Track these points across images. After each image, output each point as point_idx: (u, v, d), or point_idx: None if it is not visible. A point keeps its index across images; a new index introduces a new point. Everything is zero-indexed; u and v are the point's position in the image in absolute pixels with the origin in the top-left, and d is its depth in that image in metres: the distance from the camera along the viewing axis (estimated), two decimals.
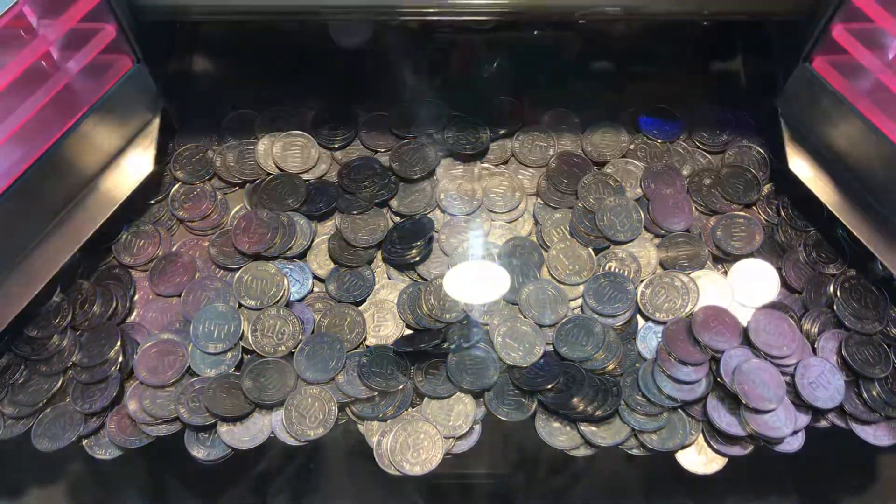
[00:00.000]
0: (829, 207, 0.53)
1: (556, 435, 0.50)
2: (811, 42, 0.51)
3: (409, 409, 0.50)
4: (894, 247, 0.51)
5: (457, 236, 0.56)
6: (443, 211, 0.57)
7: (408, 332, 0.53)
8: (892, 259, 0.51)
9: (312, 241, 0.56)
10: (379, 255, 0.55)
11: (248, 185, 0.58)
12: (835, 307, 0.53)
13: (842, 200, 0.53)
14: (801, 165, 0.54)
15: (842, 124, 0.51)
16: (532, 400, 0.50)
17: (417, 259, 0.54)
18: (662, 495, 0.52)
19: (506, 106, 0.61)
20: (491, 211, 0.57)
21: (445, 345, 0.51)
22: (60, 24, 0.47)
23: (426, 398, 0.50)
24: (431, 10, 0.53)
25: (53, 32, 0.47)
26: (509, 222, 0.57)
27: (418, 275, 0.55)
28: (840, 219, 0.52)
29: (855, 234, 0.52)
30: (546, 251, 0.55)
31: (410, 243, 0.54)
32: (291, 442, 0.49)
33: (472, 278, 0.53)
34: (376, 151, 0.59)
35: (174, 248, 0.56)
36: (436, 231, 0.56)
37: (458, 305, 0.52)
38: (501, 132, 0.59)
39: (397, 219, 0.57)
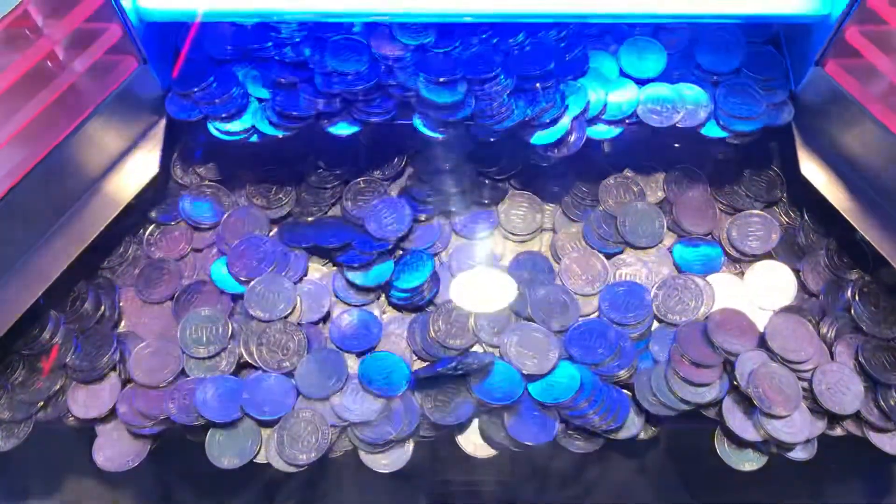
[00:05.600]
0: (841, 211, 0.52)
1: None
2: (824, 45, 0.50)
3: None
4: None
5: (467, 261, 0.55)
6: (457, 233, 0.56)
7: (416, 360, 0.52)
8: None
9: None
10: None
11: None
12: (852, 312, 0.52)
13: (855, 205, 0.52)
14: (813, 170, 0.53)
15: (855, 128, 0.51)
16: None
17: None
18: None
19: None
20: (509, 233, 0.56)
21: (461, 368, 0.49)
22: (66, 24, 0.47)
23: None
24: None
25: (59, 32, 0.47)
26: (523, 242, 0.56)
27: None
28: (851, 222, 0.52)
29: (867, 237, 0.51)
30: (558, 263, 0.54)
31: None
32: (282, 466, 0.48)
33: (477, 286, 0.52)
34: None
35: (157, 255, 0.55)
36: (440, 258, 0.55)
37: (468, 329, 0.51)
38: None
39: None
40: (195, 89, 0.53)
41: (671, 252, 0.55)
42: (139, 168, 0.54)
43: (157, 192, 0.57)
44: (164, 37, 0.54)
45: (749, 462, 0.49)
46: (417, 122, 0.52)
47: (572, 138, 0.52)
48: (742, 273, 0.54)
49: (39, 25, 0.46)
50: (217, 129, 0.53)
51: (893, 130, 0.48)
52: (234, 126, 0.53)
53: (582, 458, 0.49)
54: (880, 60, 0.48)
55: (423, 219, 0.56)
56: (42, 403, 0.50)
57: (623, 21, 0.54)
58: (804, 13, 0.51)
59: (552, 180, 0.57)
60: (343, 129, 0.53)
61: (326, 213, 0.56)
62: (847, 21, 0.48)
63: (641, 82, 0.54)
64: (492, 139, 0.53)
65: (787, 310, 0.52)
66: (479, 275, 0.53)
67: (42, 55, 0.46)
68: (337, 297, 0.53)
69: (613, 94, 0.53)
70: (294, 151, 0.57)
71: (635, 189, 0.56)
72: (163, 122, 0.55)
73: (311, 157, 0.58)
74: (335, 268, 0.54)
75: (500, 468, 0.49)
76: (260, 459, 0.48)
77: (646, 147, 0.58)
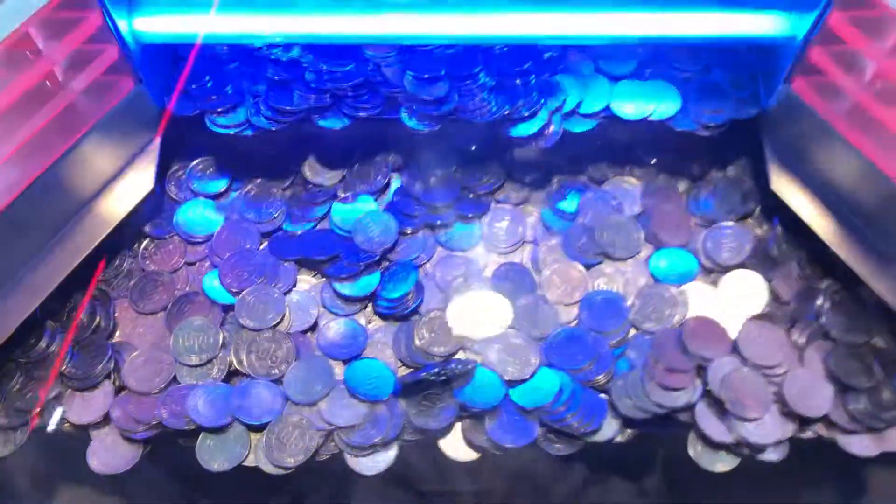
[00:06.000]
0: (810, 224, 0.54)
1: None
2: (791, 64, 0.53)
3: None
4: (871, 260, 0.53)
5: (451, 271, 0.57)
6: (441, 245, 0.58)
7: (401, 367, 0.54)
8: (870, 274, 0.52)
9: None
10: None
11: None
12: (823, 319, 0.54)
13: (824, 218, 0.54)
14: (783, 184, 0.55)
15: (822, 144, 0.53)
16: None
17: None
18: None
19: None
20: (492, 245, 0.58)
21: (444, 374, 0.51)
22: (64, 45, 0.49)
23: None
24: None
25: (58, 53, 0.49)
26: (505, 254, 0.58)
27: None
28: (820, 235, 0.54)
29: (833, 249, 0.53)
30: (539, 273, 0.56)
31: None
32: (270, 469, 0.50)
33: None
34: None
35: (152, 268, 0.57)
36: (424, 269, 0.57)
37: (451, 337, 0.53)
38: None
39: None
40: (193, 85, 0.55)
41: (648, 263, 0.57)
42: (135, 184, 0.56)
43: (151, 208, 0.58)
44: (158, 58, 0.56)
45: (721, 463, 0.51)
46: (404, 115, 0.55)
47: (549, 131, 0.55)
48: (716, 282, 0.56)
49: (40, 47, 0.49)
50: (213, 124, 0.56)
51: (857, 146, 0.51)
52: (230, 120, 0.55)
53: (561, 460, 0.50)
54: (843, 79, 0.50)
55: (408, 232, 0.58)
56: (38, 410, 0.51)
57: (590, 43, 0.56)
58: (772, 34, 0.53)
59: (534, 193, 0.60)
60: (333, 123, 0.55)
61: (315, 226, 0.58)
62: (811, 41, 0.51)
63: (615, 79, 0.56)
64: (473, 147, 0.56)
65: (759, 317, 0.54)
66: (476, 299, 0.55)
67: (42, 75, 0.49)
68: (324, 307, 0.55)
69: (588, 89, 0.56)
70: (285, 167, 0.60)
71: (613, 203, 0.58)
72: (158, 140, 0.57)
73: (300, 174, 0.60)
74: (323, 279, 0.56)
75: (481, 471, 0.51)
76: (249, 463, 0.50)
77: (625, 160, 0.60)
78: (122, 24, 0.52)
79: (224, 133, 0.56)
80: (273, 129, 0.55)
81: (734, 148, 0.60)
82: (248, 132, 0.56)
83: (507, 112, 0.53)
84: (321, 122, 0.55)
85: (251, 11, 0.54)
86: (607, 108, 0.56)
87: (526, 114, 0.54)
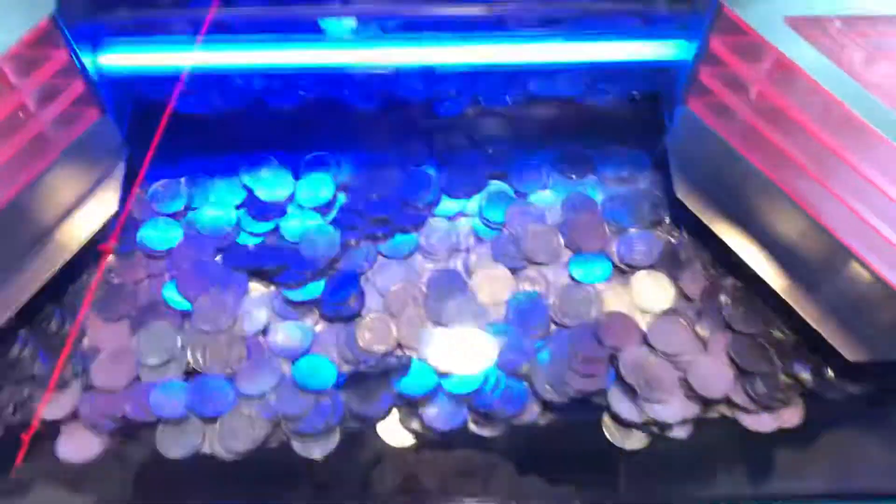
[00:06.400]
0: (712, 228, 0.60)
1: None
2: (686, 85, 0.60)
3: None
4: (769, 260, 0.59)
5: (389, 277, 0.62)
6: (382, 255, 0.64)
7: (344, 364, 0.58)
8: (768, 272, 0.59)
9: None
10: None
11: None
12: (725, 313, 0.60)
13: (724, 222, 0.61)
14: (686, 193, 0.62)
15: (718, 155, 0.59)
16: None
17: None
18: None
19: None
20: (429, 253, 0.64)
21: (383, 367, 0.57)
22: (35, 79, 0.54)
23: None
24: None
25: (29, 86, 0.54)
26: (441, 262, 0.64)
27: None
28: (721, 237, 0.60)
29: (734, 250, 0.60)
30: (470, 278, 0.62)
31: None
32: (224, 456, 0.54)
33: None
34: None
35: (116, 281, 0.62)
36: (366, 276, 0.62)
37: (390, 337, 0.58)
38: None
39: None
40: None
41: (567, 266, 0.63)
42: (101, 206, 0.61)
43: (115, 227, 0.63)
44: (121, 90, 0.62)
45: (633, 441, 0.56)
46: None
47: None
48: (628, 283, 0.62)
49: (12, 81, 0.53)
50: None
51: (747, 157, 0.57)
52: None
53: (488, 441, 0.55)
54: (730, 98, 0.57)
55: (351, 243, 0.63)
56: (12, 409, 0.56)
57: (494, 69, 0.63)
58: (667, 58, 0.60)
59: (466, 206, 0.66)
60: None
61: (265, 240, 0.64)
62: (699, 65, 0.58)
63: None
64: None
65: (666, 312, 0.60)
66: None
67: (14, 106, 0.53)
68: (275, 312, 0.60)
69: None
70: (238, 185, 0.66)
71: (536, 213, 0.64)
72: (121, 165, 0.63)
73: (252, 193, 0.66)
74: (273, 287, 0.61)
75: (416, 454, 0.56)
76: (205, 451, 0.54)
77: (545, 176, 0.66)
78: (87, 61, 0.57)
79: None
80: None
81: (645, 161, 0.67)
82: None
83: None
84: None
85: (206, 47, 0.60)
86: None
87: None
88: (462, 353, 0.57)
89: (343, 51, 0.60)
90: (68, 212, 0.61)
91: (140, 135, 0.64)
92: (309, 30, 0.62)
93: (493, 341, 0.58)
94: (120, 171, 0.63)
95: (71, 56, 0.55)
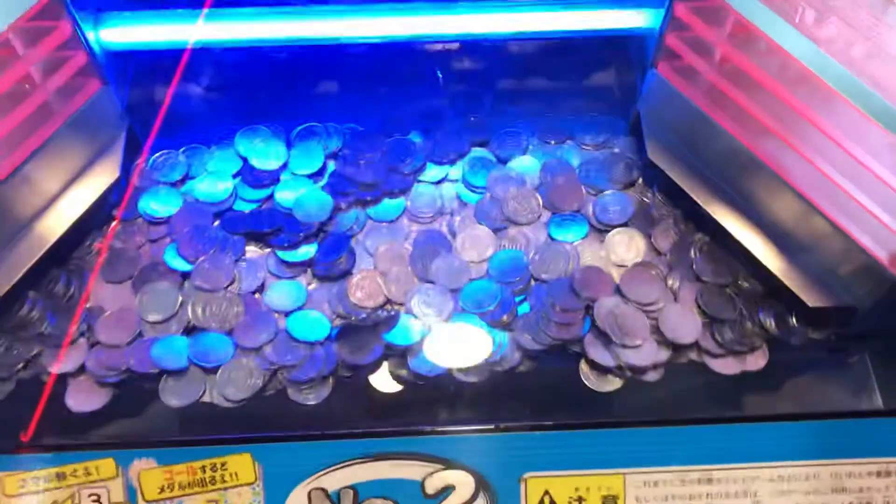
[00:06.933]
0: (682, 186, 0.64)
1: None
2: (655, 50, 0.63)
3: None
4: (735, 215, 0.63)
5: (377, 238, 0.66)
6: (371, 218, 0.67)
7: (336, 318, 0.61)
8: (734, 226, 0.62)
9: None
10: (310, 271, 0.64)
11: None
12: (694, 266, 0.63)
13: (694, 181, 0.64)
14: (657, 154, 0.65)
15: (686, 117, 0.63)
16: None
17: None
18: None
19: None
20: (415, 216, 0.67)
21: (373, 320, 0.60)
22: (40, 51, 0.57)
23: None
24: None
25: (34, 57, 0.57)
26: (426, 224, 0.67)
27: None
28: (691, 195, 0.64)
29: (703, 207, 0.63)
30: (454, 238, 0.66)
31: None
32: (223, 404, 0.57)
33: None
34: None
35: (119, 246, 0.65)
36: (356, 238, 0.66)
37: (380, 292, 0.62)
38: None
39: None
40: None
41: (546, 226, 0.66)
42: (103, 173, 0.64)
43: (118, 195, 0.67)
44: (122, 62, 0.65)
45: (608, 385, 0.59)
46: None
47: None
48: (603, 240, 0.65)
49: (18, 53, 0.57)
50: None
51: (713, 117, 0.61)
52: None
53: (471, 386, 0.59)
54: (696, 61, 0.60)
55: (342, 207, 0.67)
56: (23, 365, 0.59)
57: (477, 38, 0.66)
58: (636, 27, 0.64)
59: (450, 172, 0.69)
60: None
61: (261, 206, 0.67)
62: (666, 30, 0.61)
63: None
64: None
65: (639, 265, 0.64)
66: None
67: (19, 77, 0.56)
68: (270, 272, 0.64)
69: None
70: (234, 153, 0.69)
71: (515, 177, 0.68)
72: (123, 134, 0.66)
73: (247, 162, 0.69)
74: (269, 249, 0.65)
75: (404, 399, 0.59)
76: (205, 400, 0.58)
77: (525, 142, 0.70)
78: (90, 34, 0.61)
79: None
80: None
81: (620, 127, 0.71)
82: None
83: None
84: None
85: (206, 20, 0.63)
86: None
87: None
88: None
89: (338, 20, 0.63)
90: (72, 179, 0.64)
91: (140, 106, 0.67)
92: (307, 1, 0.65)
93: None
94: (121, 141, 0.66)
95: (74, 29, 0.58)
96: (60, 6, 0.57)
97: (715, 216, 0.63)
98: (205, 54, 0.71)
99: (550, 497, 0.53)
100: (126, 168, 0.66)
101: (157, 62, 0.70)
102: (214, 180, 0.68)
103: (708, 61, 0.60)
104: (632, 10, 0.63)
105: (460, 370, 0.59)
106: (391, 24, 0.63)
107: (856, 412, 0.58)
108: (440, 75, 0.70)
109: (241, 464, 0.53)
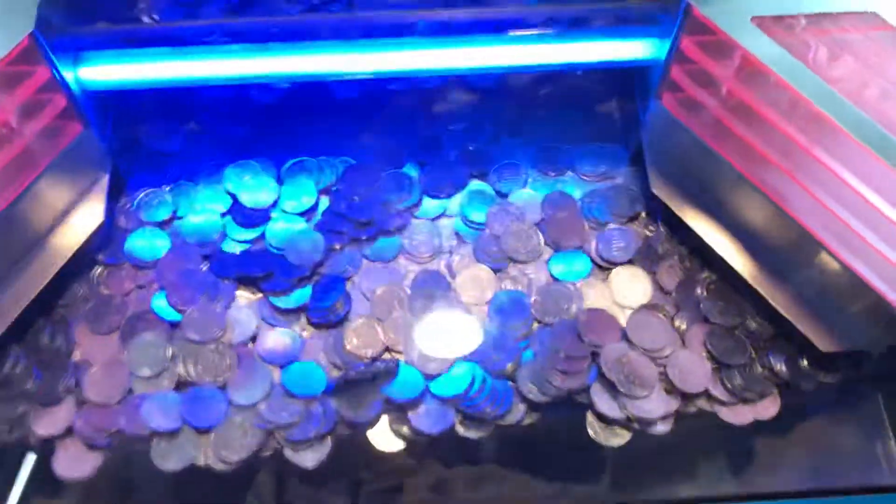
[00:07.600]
0: (686, 221, 0.62)
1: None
2: (659, 82, 0.61)
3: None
4: (742, 252, 0.61)
5: (374, 280, 0.63)
6: (366, 259, 0.65)
7: (333, 369, 0.59)
8: (741, 264, 0.60)
9: None
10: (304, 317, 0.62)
11: None
12: (701, 306, 0.61)
13: (699, 215, 0.62)
14: (661, 187, 0.63)
15: (692, 152, 0.60)
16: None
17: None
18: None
19: None
20: (412, 255, 0.65)
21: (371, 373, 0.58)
22: (18, 95, 0.54)
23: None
24: None
25: (12, 102, 0.54)
26: (424, 264, 0.65)
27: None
28: (695, 230, 0.62)
29: (709, 244, 0.61)
30: (454, 279, 0.63)
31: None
32: (219, 466, 0.55)
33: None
34: None
35: (105, 293, 0.63)
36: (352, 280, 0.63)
37: (377, 341, 0.60)
38: None
39: None
40: None
41: (548, 264, 0.64)
42: (87, 217, 0.62)
43: (103, 238, 0.64)
44: (103, 103, 0.63)
45: (616, 438, 0.57)
46: None
47: None
48: (607, 278, 0.63)
49: None
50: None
51: (718, 151, 0.58)
52: None
53: (475, 442, 0.57)
54: (701, 95, 0.58)
55: (336, 247, 0.64)
56: (8, 427, 0.57)
57: (488, 71, 0.63)
58: (641, 58, 0.61)
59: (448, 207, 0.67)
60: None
61: (251, 246, 0.65)
62: (671, 63, 0.59)
63: None
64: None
65: (645, 307, 0.62)
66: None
67: None
68: (262, 319, 0.61)
69: None
70: (222, 192, 0.66)
71: (516, 212, 0.66)
72: (106, 177, 0.63)
73: (236, 200, 0.66)
74: (260, 294, 0.63)
75: (407, 457, 0.57)
76: (200, 462, 0.56)
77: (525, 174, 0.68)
78: (68, 75, 0.58)
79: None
80: None
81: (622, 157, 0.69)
82: None
83: None
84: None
85: (184, 58, 0.61)
86: None
87: None
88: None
89: (327, 55, 0.60)
90: (55, 224, 0.61)
91: (124, 144, 0.65)
92: (290, 38, 0.62)
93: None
94: (104, 183, 0.64)
95: (52, 72, 0.56)
96: (37, 49, 0.54)
97: (720, 252, 0.61)
98: (188, 89, 0.68)
99: None
100: (111, 210, 0.64)
101: (139, 100, 0.67)
102: (202, 219, 0.66)
103: (713, 95, 0.57)
104: (638, 41, 0.60)
105: (463, 425, 0.57)
106: (386, 59, 0.60)
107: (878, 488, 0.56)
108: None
109: None
